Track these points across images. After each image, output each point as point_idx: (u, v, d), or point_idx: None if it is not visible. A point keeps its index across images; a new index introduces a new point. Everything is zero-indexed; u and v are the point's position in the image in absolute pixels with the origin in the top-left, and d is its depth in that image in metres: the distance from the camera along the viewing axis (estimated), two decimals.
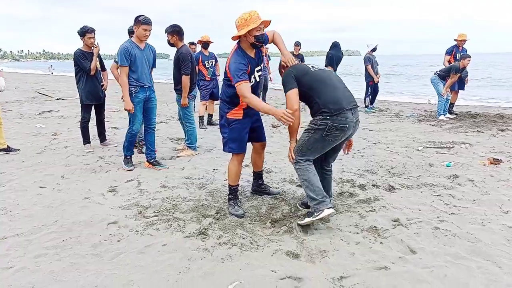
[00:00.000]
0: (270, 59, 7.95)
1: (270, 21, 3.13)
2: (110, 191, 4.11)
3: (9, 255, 2.78)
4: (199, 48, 7.85)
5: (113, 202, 3.78)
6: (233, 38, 3.21)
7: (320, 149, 3.15)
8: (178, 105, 5.52)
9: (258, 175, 3.91)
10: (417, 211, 3.48)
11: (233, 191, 3.55)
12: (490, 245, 2.86)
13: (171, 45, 5.25)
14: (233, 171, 3.50)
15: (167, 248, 2.87)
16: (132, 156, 4.95)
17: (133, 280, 2.47)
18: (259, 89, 3.46)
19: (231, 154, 3.50)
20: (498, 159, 4.90)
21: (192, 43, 8.38)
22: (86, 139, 5.84)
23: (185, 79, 5.18)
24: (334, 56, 9.43)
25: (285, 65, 3.26)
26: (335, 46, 9.60)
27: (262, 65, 3.41)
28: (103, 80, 5.86)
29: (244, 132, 3.42)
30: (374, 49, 9.66)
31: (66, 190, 4.14)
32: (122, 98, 5.36)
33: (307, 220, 3.08)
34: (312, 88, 3.07)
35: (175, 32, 5.14)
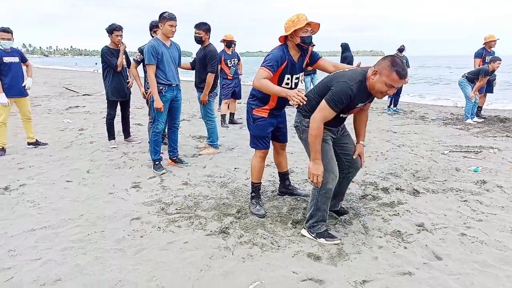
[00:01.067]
0: (240, 60, 7.87)
1: (318, 24, 3.06)
2: (133, 187, 4.18)
3: (37, 247, 2.86)
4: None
5: (137, 198, 3.84)
6: (280, 39, 3.16)
7: None
8: (199, 103, 5.57)
9: (283, 176, 3.88)
10: (443, 217, 3.40)
11: (256, 189, 3.54)
12: None
13: (198, 41, 5.28)
14: (256, 167, 3.49)
15: (189, 246, 2.89)
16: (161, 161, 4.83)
17: (156, 276, 2.51)
18: None
19: (254, 150, 3.50)
20: None
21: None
22: (111, 135, 5.95)
23: (210, 77, 5.21)
24: (350, 57, 9.67)
25: None
26: (347, 48, 9.81)
27: (301, 74, 3.35)
28: (129, 77, 5.96)
29: (269, 130, 3.43)
30: (400, 50, 9.47)
31: (91, 184, 4.24)
32: (144, 97, 5.44)
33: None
34: None
35: (208, 30, 5.19)
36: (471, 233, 3.07)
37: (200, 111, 5.75)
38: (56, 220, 3.32)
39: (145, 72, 5.51)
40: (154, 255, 2.76)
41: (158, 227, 3.19)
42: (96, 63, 46.10)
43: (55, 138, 6.42)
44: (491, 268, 2.58)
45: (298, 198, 3.81)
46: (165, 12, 4.48)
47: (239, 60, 7.92)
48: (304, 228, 3.06)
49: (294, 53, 3.15)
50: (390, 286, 2.39)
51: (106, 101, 5.87)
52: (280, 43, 3.19)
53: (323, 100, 2.74)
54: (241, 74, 8.09)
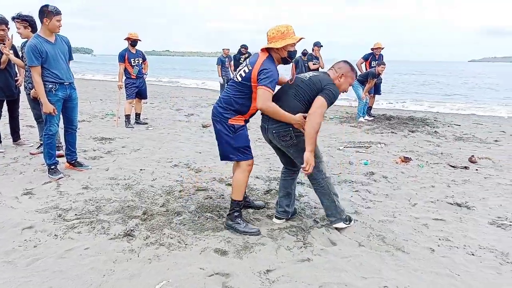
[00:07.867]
0: (146, 59, 7.69)
1: (301, 38, 3.04)
2: (25, 194, 3.81)
3: None
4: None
5: (29, 206, 3.52)
6: (262, 50, 3.04)
7: None
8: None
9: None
10: None
11: (241, 207, 3.24)
12: (400, 234, 3.16)
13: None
14: (244, 182, 3.18)
15: (90, 252, 2.75)
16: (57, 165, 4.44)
17: (52, 286, 2.34)
18: None
19: (241, 163, 3.18)
20: (408, 158, 5.41)
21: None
22: None
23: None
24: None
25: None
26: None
27: None
28: (18, 75, 5.41)
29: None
30: (304, 53, 9.96)
31: None
32: (38, 99, 4.97)
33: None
34: None
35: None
36: (361, 219, 3.42)
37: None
38: None
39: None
40: (50, 264, 2.57)
41: (55, 235, 2.97)
42: None
43: None
44: (377, 249, 2.91)
45: (206, 197, 3.85)
46: (48, 5, 4.02)
47: (144, 59, 7.67)
48: (335, 222, 3.21)
49: (276, 64, 3.08)
50: (291, 273, 2.56)
51: None
52: (263, 53, 3.03)
53: (322, 98, 2.95)
54: (146, 74, 7.82)
